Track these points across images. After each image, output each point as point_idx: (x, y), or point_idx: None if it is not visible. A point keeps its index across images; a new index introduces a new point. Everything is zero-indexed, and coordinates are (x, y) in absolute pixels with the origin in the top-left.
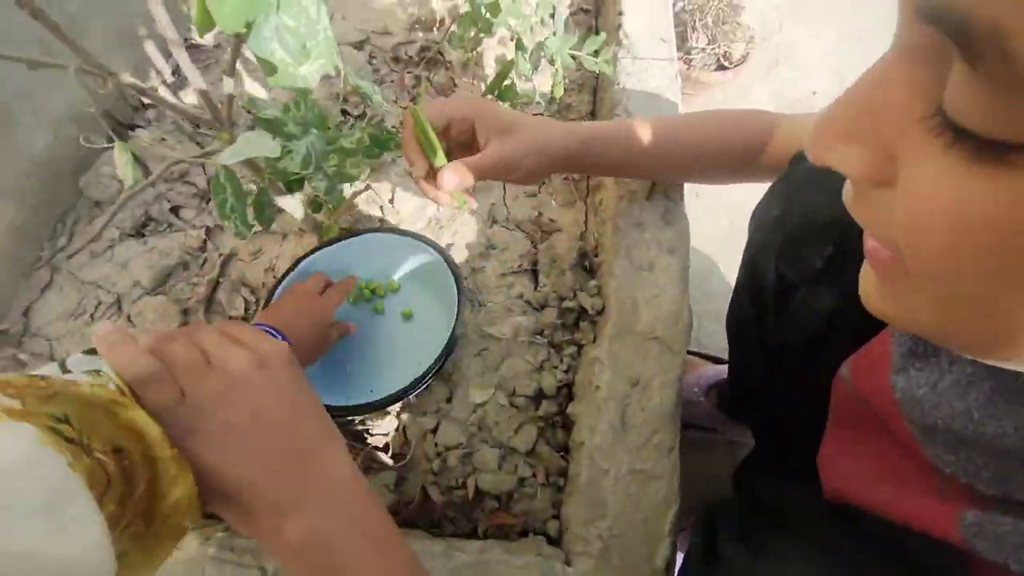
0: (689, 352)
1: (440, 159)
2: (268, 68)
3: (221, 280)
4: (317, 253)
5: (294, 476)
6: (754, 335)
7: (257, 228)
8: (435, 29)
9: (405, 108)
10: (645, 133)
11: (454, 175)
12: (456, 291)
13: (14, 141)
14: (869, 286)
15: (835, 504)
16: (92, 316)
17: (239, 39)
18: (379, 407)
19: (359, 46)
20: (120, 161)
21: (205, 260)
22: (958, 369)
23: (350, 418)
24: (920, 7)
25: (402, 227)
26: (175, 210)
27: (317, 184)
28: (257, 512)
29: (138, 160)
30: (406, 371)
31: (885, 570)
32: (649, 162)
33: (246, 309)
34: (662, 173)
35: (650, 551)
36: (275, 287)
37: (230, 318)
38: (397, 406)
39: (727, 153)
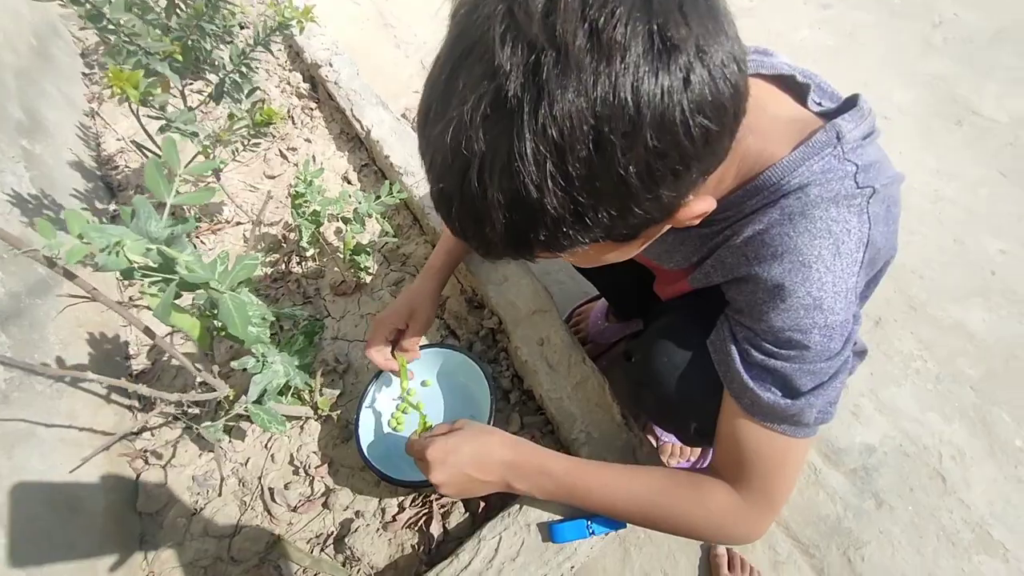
0: (583, 304)
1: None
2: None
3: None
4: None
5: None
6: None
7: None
8: (282, 247)
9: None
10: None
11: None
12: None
13: None
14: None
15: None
16: None
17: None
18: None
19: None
20: None
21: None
22: (668, 237)
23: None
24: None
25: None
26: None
27: (299, 383)
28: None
29: None
30: None
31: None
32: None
33: None
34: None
35: (610, 416)
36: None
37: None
38: None
39: None
